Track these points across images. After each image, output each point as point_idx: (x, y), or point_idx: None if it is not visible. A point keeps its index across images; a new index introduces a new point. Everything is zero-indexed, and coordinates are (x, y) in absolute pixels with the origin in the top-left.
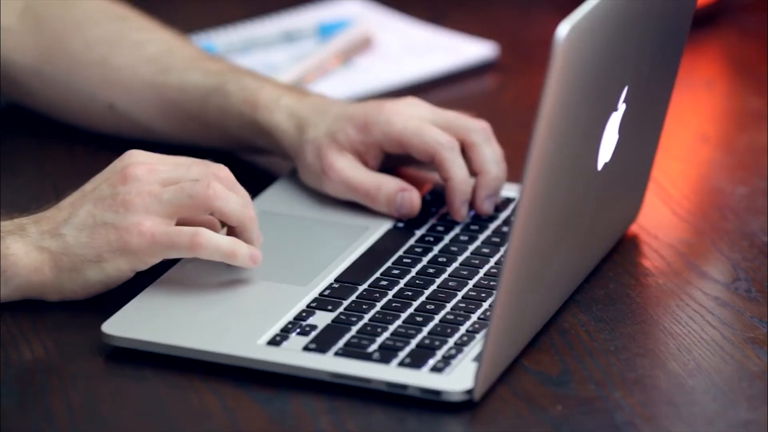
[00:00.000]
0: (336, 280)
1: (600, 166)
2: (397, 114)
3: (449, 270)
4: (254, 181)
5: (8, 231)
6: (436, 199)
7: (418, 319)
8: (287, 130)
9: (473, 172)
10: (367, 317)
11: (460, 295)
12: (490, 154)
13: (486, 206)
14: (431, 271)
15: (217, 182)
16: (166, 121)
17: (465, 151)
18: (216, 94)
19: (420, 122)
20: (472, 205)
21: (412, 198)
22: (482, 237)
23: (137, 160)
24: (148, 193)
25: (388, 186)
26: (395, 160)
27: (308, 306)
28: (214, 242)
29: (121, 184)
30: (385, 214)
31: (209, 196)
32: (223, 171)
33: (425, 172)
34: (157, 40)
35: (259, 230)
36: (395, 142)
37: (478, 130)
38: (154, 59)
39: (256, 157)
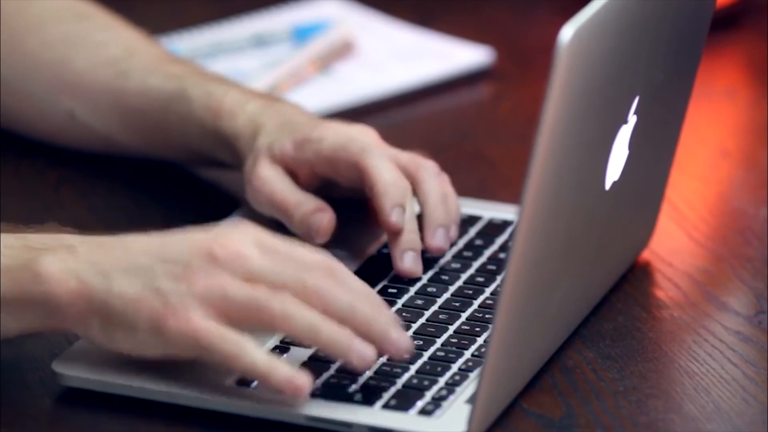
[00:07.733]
0: None
1: (608, 185)
2: (335, 133)
3: (440, 301)
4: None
5: (48, 248)
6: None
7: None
8: (244, 135)
9: (420, 207)
10: None
11: (451, 329)
12: (437, 186)
13: (437, 240)
14: (419, 302)
15: (292, 300)
16: (127, 131)
17: (414, 188)
18: (177, 100)
19: (352, 139)
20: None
21: (321, 219)
22: (477, 264)
23: (235, 239)
24: (219, 283)
25: (306, 205)
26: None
27: (282, 342)
28: (250, 359)
29: (201, 258)
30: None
31: (274, 317)
32: (319, 279)
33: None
34: (118, 41)
35: (365, 352)
36: (325, 162)
37: (429, 167)
38: (113, 62)
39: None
